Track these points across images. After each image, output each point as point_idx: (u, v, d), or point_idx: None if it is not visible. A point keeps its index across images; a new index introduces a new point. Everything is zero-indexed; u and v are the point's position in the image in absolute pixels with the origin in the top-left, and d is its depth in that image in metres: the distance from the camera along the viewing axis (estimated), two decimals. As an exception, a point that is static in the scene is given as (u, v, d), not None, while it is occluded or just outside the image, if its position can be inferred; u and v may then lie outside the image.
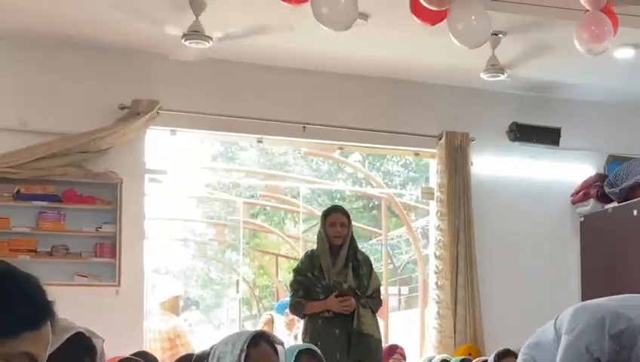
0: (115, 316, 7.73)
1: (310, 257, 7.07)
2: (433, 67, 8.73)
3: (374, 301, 7.03)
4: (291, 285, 7.16)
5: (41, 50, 8.09)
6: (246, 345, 3.47)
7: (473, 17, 5.88)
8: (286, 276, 23.63)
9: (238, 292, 14.69)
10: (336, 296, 6.73)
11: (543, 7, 6.15)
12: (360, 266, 6.98)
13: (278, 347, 3.61)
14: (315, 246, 7.22)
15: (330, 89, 8.94)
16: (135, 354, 6.22)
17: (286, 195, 16.15)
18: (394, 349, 8.41)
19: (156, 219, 16.08)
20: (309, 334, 6.81)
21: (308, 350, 5.33)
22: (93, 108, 8.14)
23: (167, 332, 9.28)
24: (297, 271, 7.09)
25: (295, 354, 5.16)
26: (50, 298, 1.58)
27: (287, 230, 23.29)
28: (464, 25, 5.86)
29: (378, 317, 7.22)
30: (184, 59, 8.24)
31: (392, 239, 17.14)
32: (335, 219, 6.96)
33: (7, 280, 1.52)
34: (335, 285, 6.83)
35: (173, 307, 10.19)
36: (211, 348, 3.61)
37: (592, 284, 9.49)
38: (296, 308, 7.05)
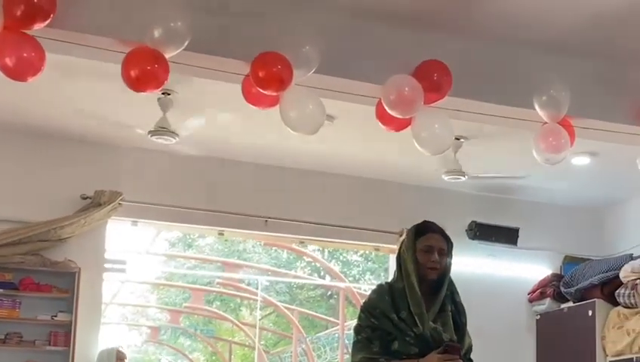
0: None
1: (389, 293, 4.82)
2: (395, 166, 9.00)
3: None
4: (359, 331, 4.83)
5: (6, 138, 8.27)
6: None
7: (437, 126, 6.05)
8: (240, 366, 23.64)
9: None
10: (442, 352, 4.66)
11: (504, 118, 6.38)
12: (460, 314, 4.94)
13: None
14: (387, 280, 5.37)
15: (292, 184, 9.15)
16: None
17: (243, 282, 16.21)
18: None
19: (110, 304, 16.10)
20: None
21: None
22: (55, 198, 8.29)
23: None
24: (370, 311, 4.80)
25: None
26: None
27: (243, 317, 23.27)
28: (428, 133, 6.04)
29: None
30: (148, 153, 8.39)
31: (349, 329, 17.21)
32: (433, 241, 4.82)
33: None
34: (434, 335, 4.73)
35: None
36: None
37: (548, 382, 9.71)
38: None
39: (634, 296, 8.65)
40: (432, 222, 4.93)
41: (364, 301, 5.08)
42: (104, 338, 10.49)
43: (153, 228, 10.55)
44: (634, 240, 9.62)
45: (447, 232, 4.88)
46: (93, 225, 8.35)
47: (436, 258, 4.73)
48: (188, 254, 23.00)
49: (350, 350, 4.96)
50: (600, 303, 9.12)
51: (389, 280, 5.34)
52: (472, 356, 4.94)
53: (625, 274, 8.77)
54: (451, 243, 4.87)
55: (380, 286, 4.96)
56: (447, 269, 4.84)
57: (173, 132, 7.45)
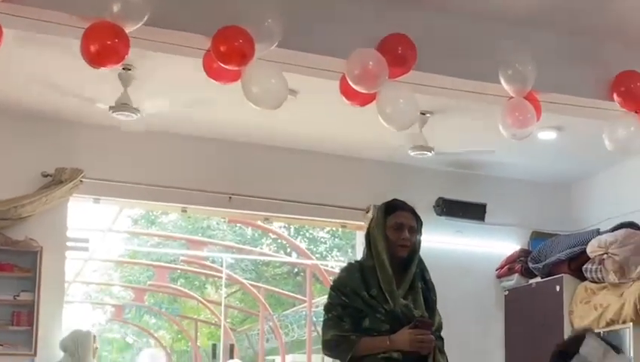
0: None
1: (360, 271, 4.89)
2: (361, 142, 8.99)
3: (441, 343, 5.04)
4: (329, 309, 4.90)
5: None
6: None
7: (401, 101, 6.05)
8: (205, 342, 23.63)
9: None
10: (413, 328, 4.72)
11: (470, 93, 6.39)
12: (430, 291, 5.02)
13: None
14: (356, 258, 5.50)
15: (257, 160, 9.12)
16: None
17: (208, 260, 16.17)
18: None
19: (73, 283, 16.05)
20: None
21: None
22: (15, 176, 8.24)
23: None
24: (341, 289, 4.87)
25: None
26: None
27: (208, 294, 23.27)
28: (392, 108, 6.04)
29: None
30: (109, 130, 8.34)
31: (317, 307, 17.23)
32: (403, 219, 4.88)
33: None
34: (405, 312, 4.79)
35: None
36: None
37: (516, 357, 9.77)
38: (339, 344, 4.79)
39: (601, 270, 8.70)
40: (402, 201, 5.01)
41: (334, 279, 5.19)
42: (68, 318, 10.45)
43: (115, 206, 10.49)
44: (601, 215, 9.69)
45: (415, 209, 4.97)
46: (55, 203, 8.29)
47: (407, 235, 4.81)
48: (151, 231, 22.95)
49: (321, 328, 5.02)
50: (567, 278, 9.18)
51: (357, 257, 5.48)
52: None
53: (592, 249, 8.82)
54: (421, 221, 4.96)
55: (350, 264, 5.07)
56: (417, 247, 4.92)
57: (134, 108, 7.40)
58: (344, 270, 5.02)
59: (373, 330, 4.74)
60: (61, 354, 8.05)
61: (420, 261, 4.95)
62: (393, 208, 4.92)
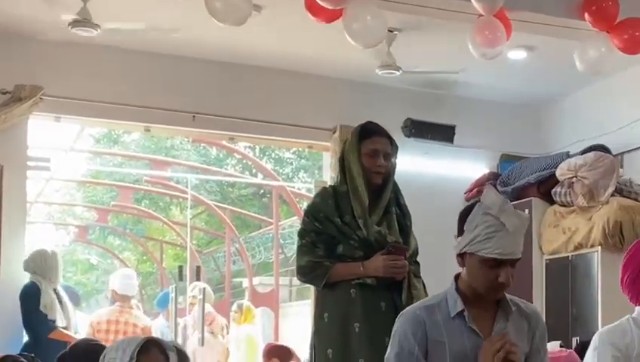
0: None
1: (333, 197, 4.91)
2: (328, 60, 8.92)
3: (417, 268, 5.11)
4: (303, 235, 4.95)
5: None
6: (136, 351, 3.58)
7: (369, 17, 6.03)
8: (171, 263, 23.70)
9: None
10: (386, 254, 4.78)
11: (438, 10, 6.36)
12: (405, 216, 5.08)
13: (170, 354, 3.71)
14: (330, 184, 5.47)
15: (221, 78, 9.03)
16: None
17: (172, 180, 16.13)
18: (274, 352, 8.43)
19: (35, 203, 15.99)
20: (335, 312, 4.83)
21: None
22: (-28, 93, 8.13)
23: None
24: (314, 215, 4.90)
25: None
26: None
27: (173, 216, 23.29)
28: (359, 25, 6.02)
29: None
30: (70, 46, 8.25)
31: (284, 229, 17.29)
32: (378, 145, 4.91)
33: None
34: (378, 238, 4.85)
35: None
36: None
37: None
38: (313, 271, 4.88)
39: (570, 194, 8.76)
40: (377, 124, 5.05)
41: (308, 205, 5.33)
42: (31, 238, 10.44)
43: (77, 124, 10.42)
44: (571, 137, 9.73)
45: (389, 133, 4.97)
46: (14, 121, 8.20)
47: (382, 162, 4.88)
48: (114, 151, 22.86)
49: (287, 250, 5.08)
50: (537, 201, 9.24)
51: (324, 178, 5.51)
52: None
53: (561, 172, 8.86)
54: (396, 146, 5.07)
55: (323, 189, 5.14)
56: (391, 172, 5.02)
57: (94, 24, 7.32)
58: (318, 195, 5.06)
59: (346, 257, 4.82)
60: (26, 274, 8.04)
61: (395, 185, 5.03)
62: (368, 133, 4.92)
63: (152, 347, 3.65)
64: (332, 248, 4.84)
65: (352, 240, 4.81)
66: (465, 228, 3.68)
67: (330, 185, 5.14)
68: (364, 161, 4.85)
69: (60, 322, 7.94)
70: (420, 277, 5.02)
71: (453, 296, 3.75)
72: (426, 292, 4.93)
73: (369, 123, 5.03)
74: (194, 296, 11.01)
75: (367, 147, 4.87)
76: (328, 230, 4.83)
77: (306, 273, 4.91)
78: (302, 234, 4.94)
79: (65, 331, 7.86)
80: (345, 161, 4.94)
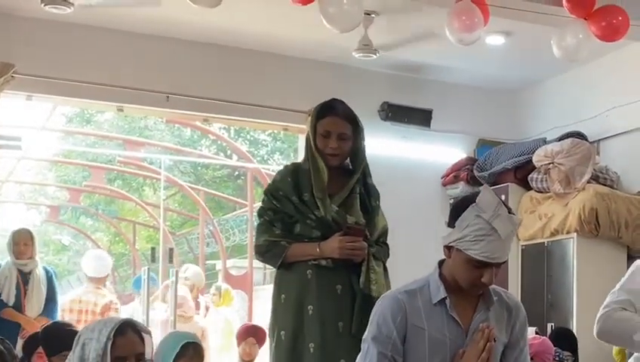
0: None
1: (294, 173, 4.84)
2: (304, 42, 8.95)
3: (383, 250, 4.95)
4: (261, 214, 4.88)
5: None
6: (112, 333, 3.60)
7: (345, 1, 6.06)
8: (144, 245, 23.70)
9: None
10: (344, 235, 4.65)
11: (416, -7, 6.42)
12: (371, 196, 4.92)
13: (145, 336, 3.73)
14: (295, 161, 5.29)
15: (196, 58, 9.04)
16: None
17: (145, 161, 16.09)
18: (250, 332, 8.47)
19: (6, 182, 15.96)
20: (291, 293, 4.75)
21: (195, 344, 4.97)
22: (-58, 70, 8.09)
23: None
24: (273, 193, 4.82)
25: (181, 345, 4.93)
26: None
27: (146, 196, 23.26)
28: (336, 8, 6.04)
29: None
30: (43, 23, 8.23)
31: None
32: (332, 126, 4.74)
33: None
34: (337, 218, 4.72)
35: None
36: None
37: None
38: (269, 250, 4.79)
39: (546, 180, 8.83)
40: (338, 103, 4.87)
41: (268, 183, 5.14)
42: (1, 218, 10.43)
43: (49, 103, 10.39)
44: (548, 123, 9.79)
45: (359, 113, 4.86)
46: (-15, 99, 8.21)
47: (334, 144, 4.69)
48: (87, 130, 22.79)
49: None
50: (513, 187, 9.31)
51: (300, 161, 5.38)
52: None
53: (538, 158, 8.93)
54: (359, 127, 4.83)
55: (285, 167, 4.98)
56: (356, 153, 4.83)
57: (68, 1, 7.30)
58: (278, 173, 4.96)
59: (304, 236, 4.73)
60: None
61: (365, 166, 4.86)
62: (325, 112, 4.78)
63: (128, 329, 3.67)
64: (289, 227, 4.76)
65: (309, 219, 4.70)
66: (456, 224, 3.68)
67: (293, 163, 5.02)
68: (318, 142, 4.73)
69: (9, 301, 7.99)
70: (381, 260, 4.86)
71: (436, 282, 3.78)
72: (386, 276, 4.87)
73: (331, 101, 4.87)
74: (186, 278, 11.01)
75: (322, 128, 4.73)
76: (286, 208, 4.74)
77: (262, 252, 4.81)
78: (260, 212, 4.87)
79: (15, 312, 7.93)
80: (308, 140, 4.86)
